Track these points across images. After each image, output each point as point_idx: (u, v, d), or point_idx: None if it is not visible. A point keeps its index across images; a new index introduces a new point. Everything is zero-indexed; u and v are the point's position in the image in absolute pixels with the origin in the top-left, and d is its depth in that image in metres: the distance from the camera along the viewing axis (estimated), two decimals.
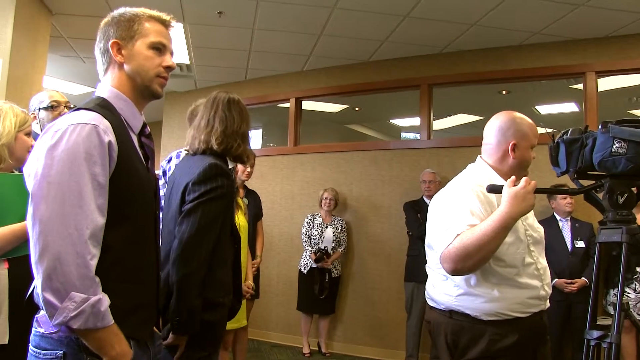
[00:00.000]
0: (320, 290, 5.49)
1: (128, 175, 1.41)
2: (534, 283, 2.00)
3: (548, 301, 2.05)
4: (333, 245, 5.61)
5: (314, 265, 5.51)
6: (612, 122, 1.87)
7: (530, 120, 2.16)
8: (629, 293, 3.93)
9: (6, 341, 1.89)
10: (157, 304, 1.58)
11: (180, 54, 5.78)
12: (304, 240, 5.63)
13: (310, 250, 5.54)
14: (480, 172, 2.17)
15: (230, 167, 2.22)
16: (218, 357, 2.27)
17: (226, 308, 2.15)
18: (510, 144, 2.11)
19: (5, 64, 3.91)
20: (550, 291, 2.04)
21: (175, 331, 1.96)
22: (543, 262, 2.06)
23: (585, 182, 2.01)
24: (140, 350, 1.44)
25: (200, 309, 1.99)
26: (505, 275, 1.98)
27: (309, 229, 5.65)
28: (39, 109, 2.82)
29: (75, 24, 5.14)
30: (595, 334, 1.77)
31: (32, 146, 2.13)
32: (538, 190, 1.89)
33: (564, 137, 1.95)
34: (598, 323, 1.87)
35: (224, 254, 2.14)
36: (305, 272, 5.55)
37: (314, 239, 5.59)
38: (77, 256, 1.26)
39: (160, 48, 1.53)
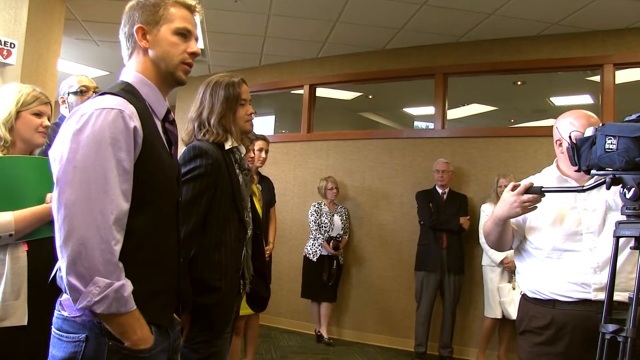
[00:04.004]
0: (328, 277, 5.53)
1: (152, 161, 1.42)
2: (574, 269, 2.10)
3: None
4: (341, 232, 5.67)
5: (324, 253, 5.54)
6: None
7: (573, 111, 2.31)
8: None
9: (25, 322, 1.91)
10: (178, 289, 1.58)
11: None
12: (314, 228, 5.63)
13: (322, 239, 5.55)
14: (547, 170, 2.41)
15: (228, 147, 2.22)
16: (225, 343, 2.25)
17: (223, 292, 2.10)
18: (556, 142, 2.32)
19: (20, 46, 3.92)
20: (602, 284, 2.02)
21: None
22: (601, 253, 2.09)
23: None
24: (160, 336, 1.45)
25: (188, 288, 1.98)
26: (535, 256, 2.22)
27: (317, 217, 5.65)
28: (68, 94, 2.87)
29: (90, 7, 5.15)
30: (611, 327, 1.76)
31: (40, 125, 2.12)
32: (544, 190, 2.03)
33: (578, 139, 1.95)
34: (614, 317, 1.86)
35: (223, 236, 2.13)
36: (314, 259, 5.57)
37: (325, 227, 5.61)
38: (102, 241, 1.27)
39: (185, 34, 1.52)
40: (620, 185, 1.81)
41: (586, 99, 6.47)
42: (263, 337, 5.63)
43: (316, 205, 5.73)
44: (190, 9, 1.57)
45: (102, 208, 1.28)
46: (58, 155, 1.32)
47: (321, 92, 6.84)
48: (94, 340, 1.34)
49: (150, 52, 1.51)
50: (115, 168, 1.32)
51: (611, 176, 1.82)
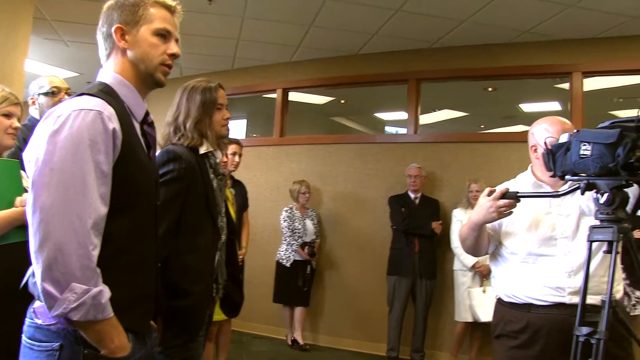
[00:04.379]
0: (304, 283, 5.50)
1: (132, 164, 1.39)
2: (549, 273, 2.13)
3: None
4: (314, 237, 5.66)
5: (298, 258, 5.50)
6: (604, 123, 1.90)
7: (548, 118, 2.32)
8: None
9: None
10: (156, 296, 1.55)
11: None
12: (287, 234, 5.58)
13: (297, 244, 5.51)
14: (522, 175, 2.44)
15: (202, 152, 2.21)
16: (199, 347, 2.22)
17: (197, 296, 2.10)
18: (531, 148, 2.33)
19: None
20: (577, 288, 2.06)
21: None
22: (575, 258, 2.13)
23: None
24: (138, 344, 1.41)
25: (161, 292, 1.92)
26: (511, 260, 2.25)
27: (291, 222, 5.60)
28: (39, 94, 2.77)
29: (60, 6, 5.04)
30: (584, 330, 1.79)
31: (10, 127, 2.07)
32: (520, 196, 2.05)
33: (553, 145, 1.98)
34: (588, 320, 1.89)
35: (197, 240, 2.12)
36: (288, 265, 5.51)
37: (298, 232, 5.56)
38: (79, 246, 1.23)
39: (165, 35, 1.50)
40: (594, 190, 1.84)
41: (555, 105, 6.60)
42: (235, 343, 5.56)
43: (288, 210, 5.67)
44: (170, 9, 1.54)
45: (79, 212, 1.24)
46: (33, 157, 1.28)
47: (294, 96, 6.82)
48: (68, 349, 1.30)
49: (129, 52, 1.48)
50: (94, 171, 1.28)
51: (585, 182, 1.85)
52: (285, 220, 5.62)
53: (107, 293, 1.28)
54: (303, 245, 5.50)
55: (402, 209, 5.27)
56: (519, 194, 2.07)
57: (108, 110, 1.34)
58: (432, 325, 5.30)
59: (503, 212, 2.10)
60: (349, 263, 5.89)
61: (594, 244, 1.87)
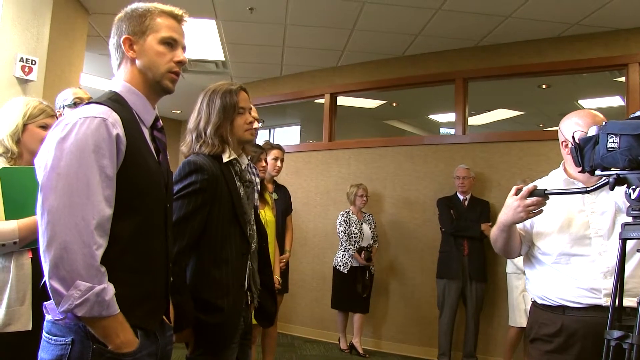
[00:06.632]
0: (363, 289, 5.44)
1: (137, 168, 1.44)
2: (583, 274, 2.04)
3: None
4: (371, 241, 5.59)
5: (356, 264, 5.43)
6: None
7: (579, 111, 2.23)
8: None
9: (30, 327, 1.96)
10: (167, 294, 1.60)
11: (214, 50, 5.85)
12: (344, 239, 5.49)
13: (353, 250, 5.43)
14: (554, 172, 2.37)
15: (226, 160, 2.13)
16: (232, 354, 2.13)
17: (228, 312, 2.03)
18: (562, 143, 2.24)
19: (42, 62, 4.04)
20: (609, 289, 1.96)
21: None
22: (611, 258, 2.01)
23: None
24: (147, 340, 1.47)
25: (188, 305, 1.94)
26: (544, 261, 2.17)
27: (347, 227, 5.50)
28: (63, 107, 2.89)
29: (112, 23, 5.26)
30: (616, 334, 1.71)
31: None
32: (548, 193, 1.97)
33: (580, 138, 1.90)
34: (625, 324, 1.80)
35: (223, 253, 2.06)
36: (345, 271, 5.43)
37: (355, 237, 5.49)
38: (84, 246, 1.30)
39: (171, 43, 1.55)
40: (626, 185, 1.76)
41: (616, 100, 6.31)
42: (285, 346, 5.63)
43: (344, 215, 5.59)
44: (177, 18, 1.59)
45: (84, 214, 1.31)
46: (43, 162, 1.36)
47: (345, 101, 6.85)
48: (79, 344, 1.36)
49: (137, 61, 1.54)
50: (98, 175, 1.34)
51: (614, 176, 1.77)
52: (341, 225, 5.54)
53: (111, 291, 1.34)
54: (360, 250, 5.43)
55: (451, 211, 5.18)
56: (546, 191, 1.99)
57: (112, 117, 1.40)
58: (484, 330, 5.17)
59: (531, 211, 2.03)
60: (397, 266, 5.84)
61: (632, 242, 1.78)
